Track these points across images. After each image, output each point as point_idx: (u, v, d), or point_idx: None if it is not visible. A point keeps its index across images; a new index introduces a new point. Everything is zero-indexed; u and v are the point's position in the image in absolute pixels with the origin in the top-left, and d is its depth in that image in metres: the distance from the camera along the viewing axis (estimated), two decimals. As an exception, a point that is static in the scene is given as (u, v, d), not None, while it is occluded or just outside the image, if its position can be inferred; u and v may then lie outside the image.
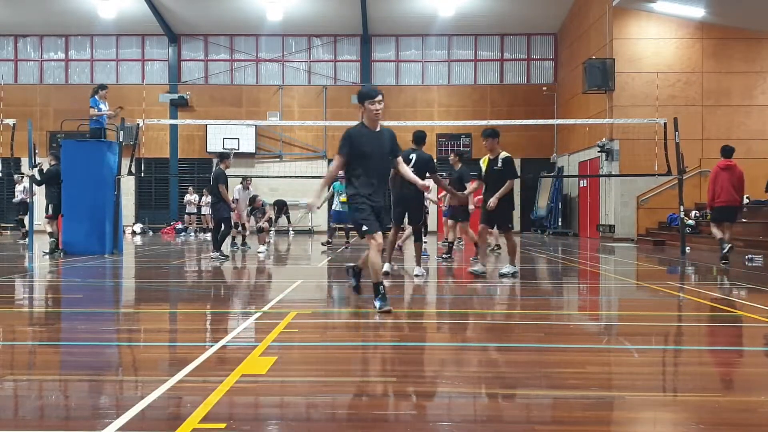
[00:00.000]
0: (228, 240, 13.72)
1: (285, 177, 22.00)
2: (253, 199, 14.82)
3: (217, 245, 11.53)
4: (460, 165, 11.72)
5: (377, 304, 5.55)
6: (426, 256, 11.32)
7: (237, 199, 14.44)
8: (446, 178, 11.93)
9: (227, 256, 11.82)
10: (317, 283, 8.58)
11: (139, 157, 17.05)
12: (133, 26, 26.17)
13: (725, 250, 10.61)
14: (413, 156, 8.46)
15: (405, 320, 5.70)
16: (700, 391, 3.31)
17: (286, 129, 26.21)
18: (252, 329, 4.96)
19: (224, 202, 11.61)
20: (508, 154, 8.72)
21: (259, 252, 13.42)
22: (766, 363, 4.10)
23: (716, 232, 11.20)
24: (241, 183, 15.13)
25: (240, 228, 14.75)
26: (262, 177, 21.41)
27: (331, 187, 14.47)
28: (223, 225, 11.78)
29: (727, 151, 11.50)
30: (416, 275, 8.50)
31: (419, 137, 8.94)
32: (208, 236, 22.70)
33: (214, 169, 12.34)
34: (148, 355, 4.27)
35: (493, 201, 8.44)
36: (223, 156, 12.13)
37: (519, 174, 8.72)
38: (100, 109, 12.60)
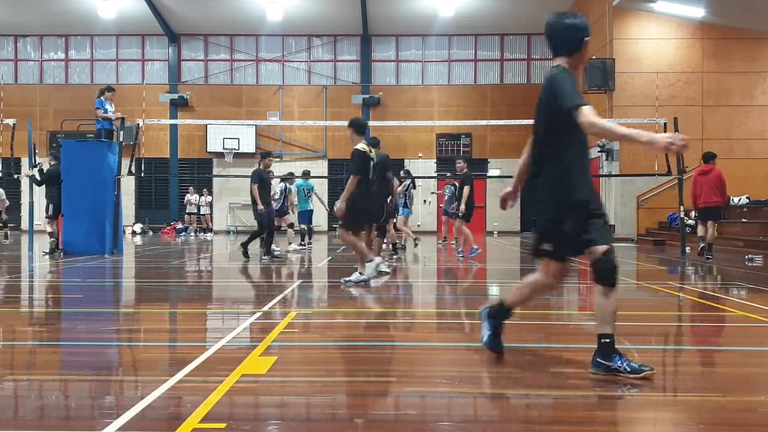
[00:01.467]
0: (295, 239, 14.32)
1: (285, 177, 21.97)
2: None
3: (267, 248, 11.45)
4: (465, 170, 11.94)
5: (626, 365, 3.40)
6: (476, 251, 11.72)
7: (287, 196, 14.46)
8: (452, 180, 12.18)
9: (248, 258, 11.74)
10: (317, 283, 8.58)
11: (139, 157, 17.06)
12: (133, 26, 26.17)
13: (702, 248, 11.92)
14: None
15: (405, 320, 5.70)
16: (700, 391, 3.31)
17: (286, 129, 26.21)
18: (252, 329, 4.96)
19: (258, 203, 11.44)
20: (358, 148, 7.64)
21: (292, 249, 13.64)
22: (766, 363, 4.10)
23: (700, 230, 12.35)
24: (284, 180, 14.84)
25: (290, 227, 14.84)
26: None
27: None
28: (260, 226, 11.69)
29: (706, 158, 12.28)
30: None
31: (375, 143, 8.91)
32: (209, 236, 22.78)
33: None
34: (148, 355, 4.27)
35: (339, 205, 7.62)
36: (263, 155, 11.99)
37: (362, 171, 7.55)
38: (106, 110, 12.61)
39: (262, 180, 11.35)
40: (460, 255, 11.83)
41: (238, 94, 26.59)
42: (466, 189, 11.53)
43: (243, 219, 25.30)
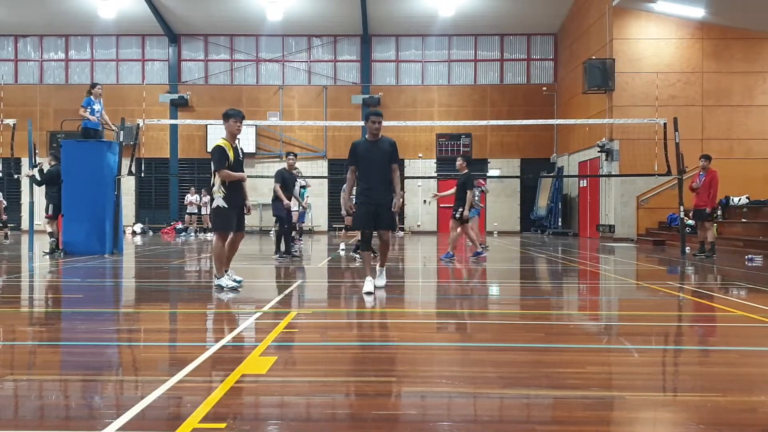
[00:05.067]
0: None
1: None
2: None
3: (276, 246, 11.50)
4: (466, 170, 11.72)
5: None
6: (451, 257, 11.51)
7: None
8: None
9: (292, 255, 11.76)
10: (317, 283, 8.58)
11: (139, 157, 17.06)
12: (133, 26, 26.18)
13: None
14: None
15: (405, 320, 5.70)
16: (700, 391, 3.31)
17: (286, 129, 26.22)
18: (252, 329, 4.96)
19: (279, 201, 11.52)
20: (217, 143, 7.37)
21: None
22: (766, 363, 4.10)
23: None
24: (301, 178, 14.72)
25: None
26: (262, 177, 21.41)
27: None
28: (278, 224, 11.83)
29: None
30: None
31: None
32: (209, 236, 22.77)
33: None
34: (148, 355, 4.27)
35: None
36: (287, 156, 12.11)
37: (223, 165, 7.18)
38: (93, 110, 12.54)
39: (284, 180, 11.62)
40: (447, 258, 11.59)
41: (238, 94, 26.59)
42: (470, 193, 11.43)
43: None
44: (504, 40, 26.72)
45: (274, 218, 12.13)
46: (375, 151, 7.08)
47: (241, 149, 7.61)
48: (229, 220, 7.29)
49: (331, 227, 26.31)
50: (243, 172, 7.50)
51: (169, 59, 26.94)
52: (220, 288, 7.18)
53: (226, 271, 7.42)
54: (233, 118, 7.31)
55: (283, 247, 11.68)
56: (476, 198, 17.75)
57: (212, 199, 7.37)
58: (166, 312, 6.11)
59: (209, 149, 25.61)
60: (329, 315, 5.96)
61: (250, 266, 10.75)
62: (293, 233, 13.97)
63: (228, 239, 7.38)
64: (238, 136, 7.52)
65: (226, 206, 7.23)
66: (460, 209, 11.48)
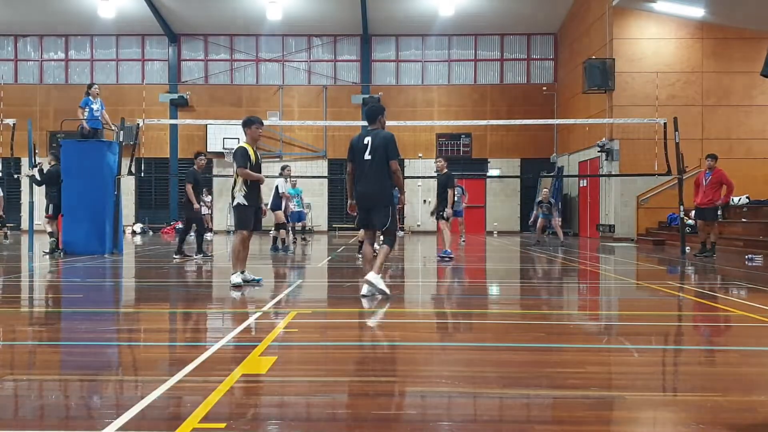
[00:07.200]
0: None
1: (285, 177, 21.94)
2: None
3: (179, 247, 11.90)
4: (446, 171, 11.91)
5: None
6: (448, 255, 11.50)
7: (283, 193, 14.12)
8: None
9: (184, 255, 11.85)
10: (317, 283, 8.58)
11: (139, 157, 17.05)
12: (133, 26, 26.17)
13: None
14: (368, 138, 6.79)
15: (405, 320, 5.70)
16: (700, 391, 3.31)
17: (286, 129, 26.21)
18: (252, 329, 4.96)
19: (190, 202, 11.70)
20: (240, 145, 7.68)
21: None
22: (766, 363, 4.10)
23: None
24: (281, 175, 14.41)
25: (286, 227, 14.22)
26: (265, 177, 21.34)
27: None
28: (186, 225, 12.34)
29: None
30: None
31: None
32: (209, 236, 22.72)
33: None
34: (148, 355, 4.27)
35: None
36: (196, 155, 12.26)
37: (244, 164, 7.47)
38: (91, 109, 12.54)
39: (196, 180, 11.79)
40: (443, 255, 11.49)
41: (238, 94, 26.59)
42: (451, 192, 11.56)
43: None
44: (504, 39, 26.70)
45: (186, 219, 12.38)
46: None
47: (261, 155, 7.94)
48: (249, 218, 7.70)
49: (331, 227, 26.31)
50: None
51: (168, 59, 26.93)
52: (231, 284, 7.48)
53: (242, 272, 7.71)
54: (255, 124, 7.71)
55: (207, 248, 11.79)
56: (457, 198, 17.57)
57: (233, 198, 7.71)
58: (166, 312, 6.11)
59: (209, 149, 25.63)
60: (329, 315, 5.96)
61: (249, 266, 10.74)
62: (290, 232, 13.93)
63: (246, 237, 7.76)
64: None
65: (246, 203, 7.63)
66: (446, 209, 11.66)
